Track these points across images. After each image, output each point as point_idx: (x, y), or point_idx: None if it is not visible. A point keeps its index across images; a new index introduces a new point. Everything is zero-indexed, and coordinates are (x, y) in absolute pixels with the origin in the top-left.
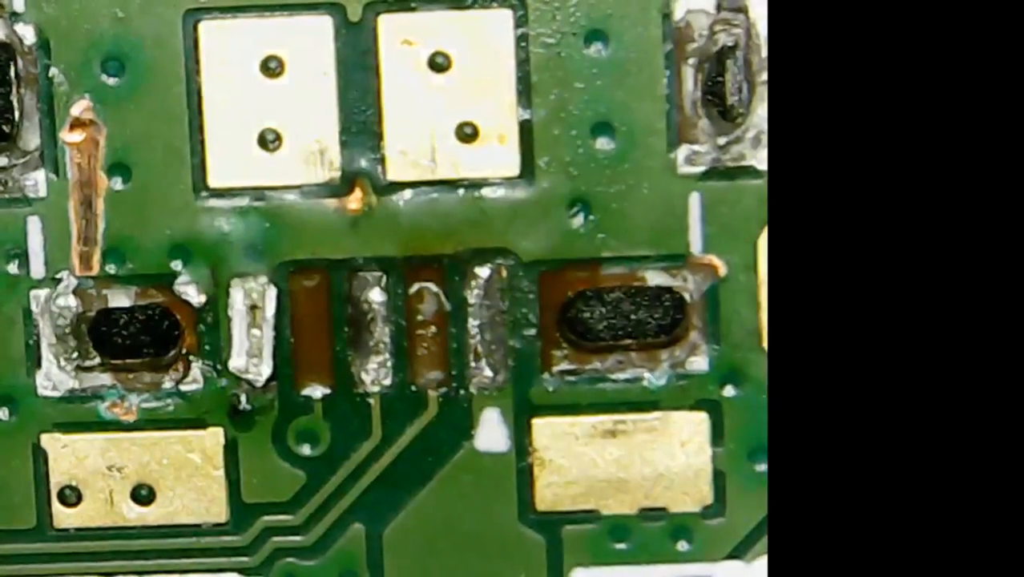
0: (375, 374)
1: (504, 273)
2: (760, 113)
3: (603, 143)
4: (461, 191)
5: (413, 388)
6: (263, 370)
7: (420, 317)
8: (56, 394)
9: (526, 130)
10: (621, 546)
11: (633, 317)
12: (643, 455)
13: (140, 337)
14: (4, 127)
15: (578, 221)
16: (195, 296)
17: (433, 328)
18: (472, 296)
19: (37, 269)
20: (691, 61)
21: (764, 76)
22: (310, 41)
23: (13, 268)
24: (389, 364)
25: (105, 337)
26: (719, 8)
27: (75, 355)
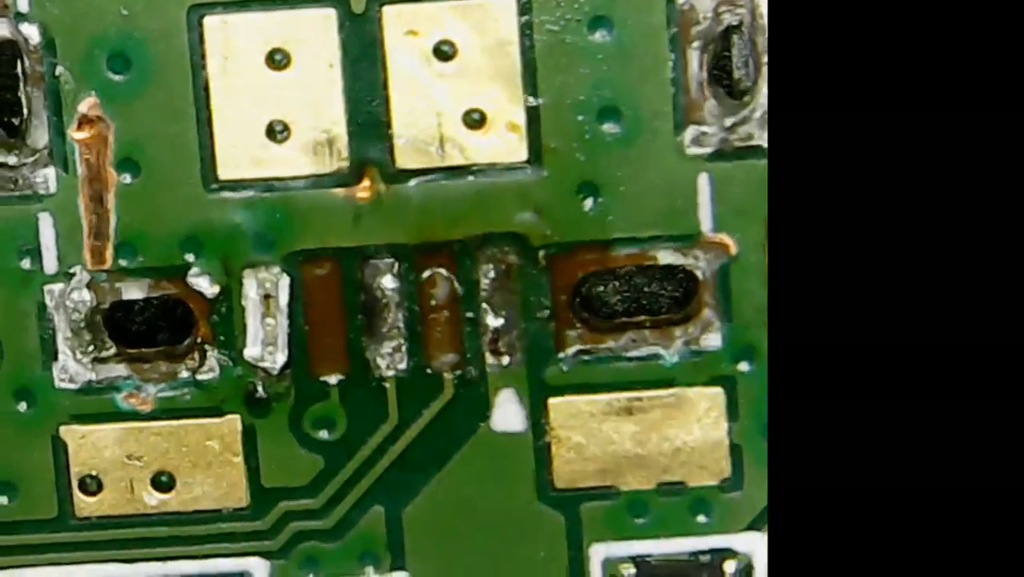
0: (390, 359)
1: (514, 258)
2: (766, 93)
3: (610, 127)
4: (470, 177)
5: (428, 371)
6: (278, 358)
7: (433, 302)
8: (73, 386)
9: (533, 116)
10: (640, 521)
11: (646, 290)
12: (660, 431)
13: (156, 322)
14: (13, 120)
15: (588, 204)
16: (208, 287)
17: (446, 312)
18: (484, 281)
19: (50, 264)
20: (696, 44)
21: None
22: (315, 33)
23: (26, 264)
24: (404, 348)
25: (120, 323)
26: None
27: (91, 348)
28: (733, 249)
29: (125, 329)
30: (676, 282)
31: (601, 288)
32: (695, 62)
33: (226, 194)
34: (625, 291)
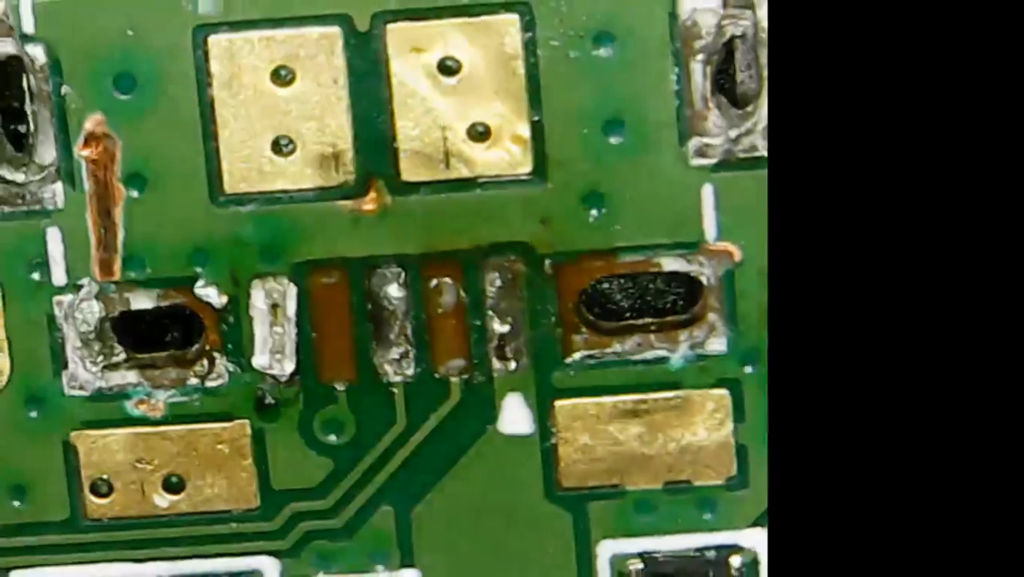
0: (397, 365)
1: (521, 267)
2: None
3: (615, 140)
4: (476, 190)
5: (436, 376)
6: (286, 366)
7: (440, 310)
8: (83, 394)
9: (538, 128)
10: (647, 518)
11: (651, 287)
12: (666, 432)
13: (164, 321)
14: (19, 127)
15: (593, 214)
16: (216, 298)
17: (452, 320)
18: (490, 290)
19: (59, 277)
20: (699, 56)
21: None
22: (319, 51)
23: (36, 276)
24: (411, 355)
25: (129, 325)
26: (725, 4)
27: (100, 357)
28: (737, 256)
29: (135, 330)
30: (681, 280)
31: (606, 286)
32: (699, 75)
33: (233, 207)
34: (630, 288)
